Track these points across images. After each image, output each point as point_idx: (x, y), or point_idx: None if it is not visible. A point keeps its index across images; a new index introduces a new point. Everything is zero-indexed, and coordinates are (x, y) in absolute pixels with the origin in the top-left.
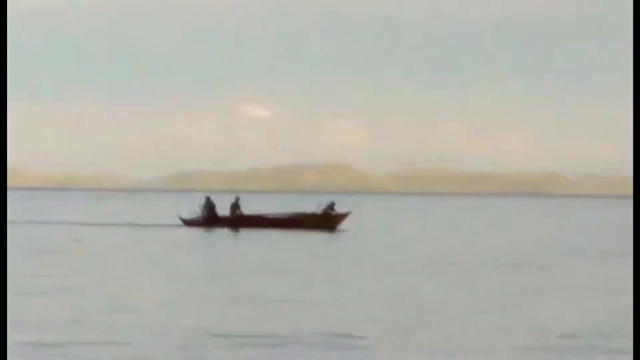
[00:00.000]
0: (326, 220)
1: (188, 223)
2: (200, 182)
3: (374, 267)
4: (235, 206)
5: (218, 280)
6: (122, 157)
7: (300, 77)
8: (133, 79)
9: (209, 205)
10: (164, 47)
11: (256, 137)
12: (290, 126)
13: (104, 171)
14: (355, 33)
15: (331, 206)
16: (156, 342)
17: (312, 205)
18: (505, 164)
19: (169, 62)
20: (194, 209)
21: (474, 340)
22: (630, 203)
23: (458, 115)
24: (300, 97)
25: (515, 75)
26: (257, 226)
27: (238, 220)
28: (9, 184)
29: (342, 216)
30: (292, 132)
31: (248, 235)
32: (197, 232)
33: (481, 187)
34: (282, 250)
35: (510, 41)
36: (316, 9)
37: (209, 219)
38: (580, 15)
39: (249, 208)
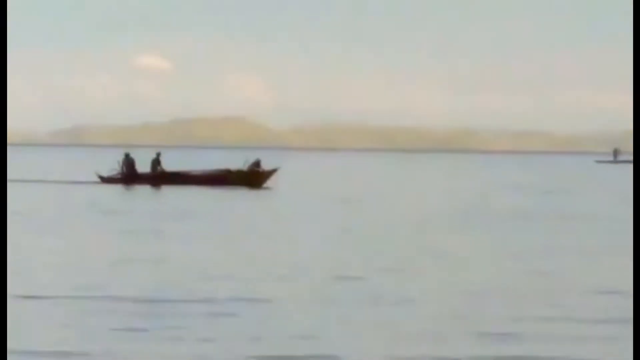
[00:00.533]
0: (252, 177)
1: (106, 180)
2: (91, 136)
3: (299, 222)
4: (156, 162)
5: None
6: (9, 110)
7: (201, 29)
8: (18, 23)
9: (129, 162)
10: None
11: (151, 90)
12: (187, 78)
13: None
14: None
15: (257, 163)
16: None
17: (207, 161)
18: (415, 118)
19: (59, 5)
20: (98, 166)
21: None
22: (542, 158)
23: (366, 68)
24: (200, 49)
25: (430, 25)
26: (179, 183)
27: (160, 178)
28: None
29: (269, 173)
30: (189, 84)
31: (170, 192)
32: (117, 190)
33: (387, 143)
34: (206, 206)
35: None
36: None
37: (129, 176)
38: None
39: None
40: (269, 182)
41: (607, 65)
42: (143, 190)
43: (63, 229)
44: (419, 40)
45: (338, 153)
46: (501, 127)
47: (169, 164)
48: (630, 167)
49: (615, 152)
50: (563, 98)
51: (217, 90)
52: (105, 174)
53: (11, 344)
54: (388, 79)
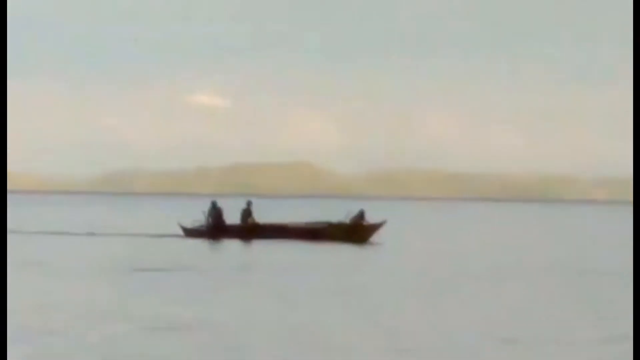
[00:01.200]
0: (356, 231)
1: (190, 233)
2: (138, 183)
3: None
4: (247, 213)
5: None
6: (43, 153)
7: (261, 63)
8: (55, 62)
9: (216, 212)
10: (91, 26)
11: (207, 131)
12: (246, 118)
13: (21, 170)
14: (326, 17)
15: (361, 215)
16: None
17: (277, 212)
18: (499, 163)
19: (99, 43)
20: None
21: None
22: None
23: (443, 108)
24: (260, 84)
25: (507, 62)
26: (273, 237)
27: (251, 230)
28: None
29: (375, 227)
30: (248, 125)
31: (264, 247)
32: (203, 245)
33: (466, 191)
34: (311, 265)
35: (499, 27)
36: None
37: (216, 228)
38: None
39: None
40: (374, 237)
41: None
42: (233, 245)
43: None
44: (490, 77)
45: (417, 202)
46: (602, 173)
47: (230, 215)
48: None
49: None
50: None
51: (280, 131)
52: (187, 224)
53: None
54: (461, 120)
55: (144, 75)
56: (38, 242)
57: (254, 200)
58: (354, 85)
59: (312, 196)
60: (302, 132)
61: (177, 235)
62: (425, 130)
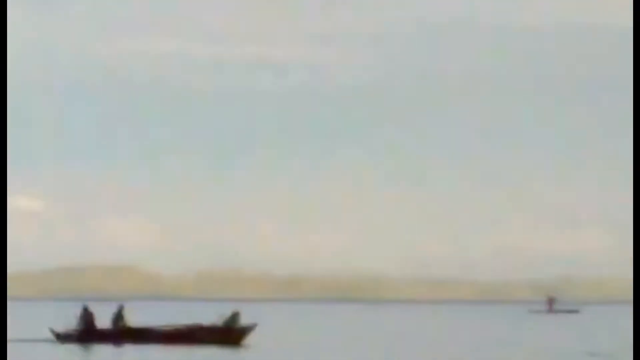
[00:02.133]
0: (229, 334)
1: (62, 338)
2: None
3: None
4: (118, 317)
5: None
6: None
7: (74, 165)
8: None
9: (87, 316)
10: None
11: (24, 234)
12: (63, 221)
13: None
14: (135, 111)
15: (234, 317)
16: None
17: (101, 314)
18: (320, 264)
19: None
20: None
21: None
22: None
23: (268, 210)
24: (76, 186)
25: (338, 153)
26: (145, 341)
27: (122, 334)
28: None
29: (248, 329)
30: (67, 228)
31: (136, 353)
32: (73, 350)
33: (292, 293)
34: None
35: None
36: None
37: (86, 332)
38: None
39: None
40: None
41: (533, 201)
42: (104, 351)
43: None
44: (320, 173)
45: (246, 304)
46: (417, 275)
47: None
48: (568, 317)
49: (550, 301)
50: (486, 242)
51: (102, 235)
52: (59, 329)
53: None
54: (289, 223)
55: None
56: None
57: (84, 303)
58: (175, 187)
59: (141, 298)
60: (125, 236)
61: (49, 340)
62: (253, 233)
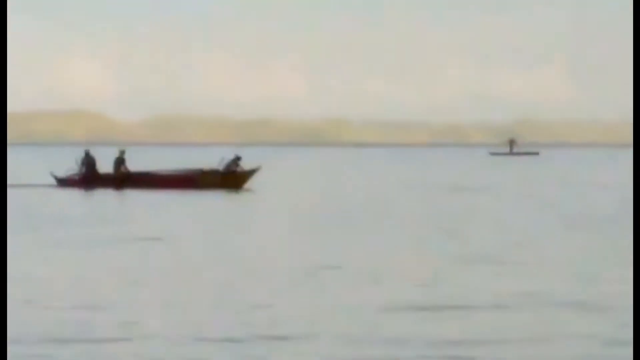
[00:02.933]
0: (231, 179)
1: (63, 182)
2: None
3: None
4: (119, 162)
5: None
6: None
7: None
8: None
9: (89, 161)
10: None
11: None
12: (18, 66)
13: None
14: None
15: (236, 161)
16: None
17: (63, 159)
18: (280, 108)
19: None
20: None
21: None
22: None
23: (211, 52)
24: (30, 34)
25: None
26: (146, 186)
27: (124, 179)
28: None
29: (250, 173)
30: (21, 73)
31: (138, 196)
32: (75, 194)
33: (247, 137)
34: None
35: None
36: None
37: (89, 177)
38: None
39: None
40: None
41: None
42: (107, 195)
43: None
44: (279, 17)
45: (196, 147)
46: (375, 118)
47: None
48: (528, 159)
49: (511, 143)
50: (443, 86)
51: (57, 80)
52: (58, 174)
53: None
54: (247, 64)
55: None
56: None
57: (28, 148)
58: (129, 30)
59: (94, 143)
60: (79, 81)
61: (50, 185)
62: (206, 76)
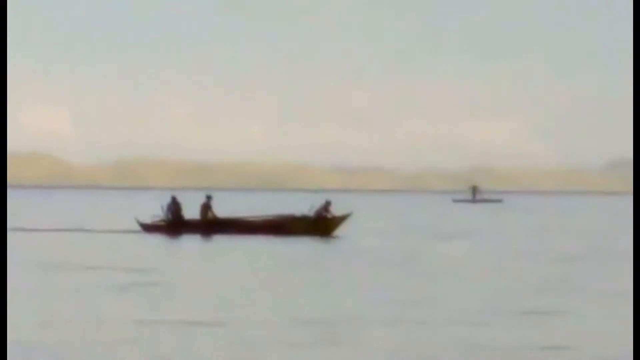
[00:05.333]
0: (321, 224)
1: (148, 228)
2: None
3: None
4: (206, 207)
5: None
6: None
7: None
8: None
9: (175, 206)
10: None
11: None
12: None
13: None
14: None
15: (326, 207)
16: None
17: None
18: (237, 153)
19: None
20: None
21: None
22: (386, 198)
23: (179, 97)
24: None
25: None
26: (234, 232)
27: (211, 225)
28: None
29: (341, 219)
30: None
31: (227, 243)
32: (160, 241)
33: (205, 181)
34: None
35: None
36: None
37: (174, 223)
38: None
39: None
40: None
41: (459, 94)
42: (192, 242)
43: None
44: (246, 60)
45: (154, 191)
46: (335, 164)
47: None
48: (490, 206)
49: (474, 190)
50: (406, 131)
51: (16, 123)
52: (146, 220)
53: None
54: (205, 110)
55: None
56: None
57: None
58: (90, 78)
59: (55, 187)
60: (36, 123)
61: (135, 231)
62: (164, 121)
